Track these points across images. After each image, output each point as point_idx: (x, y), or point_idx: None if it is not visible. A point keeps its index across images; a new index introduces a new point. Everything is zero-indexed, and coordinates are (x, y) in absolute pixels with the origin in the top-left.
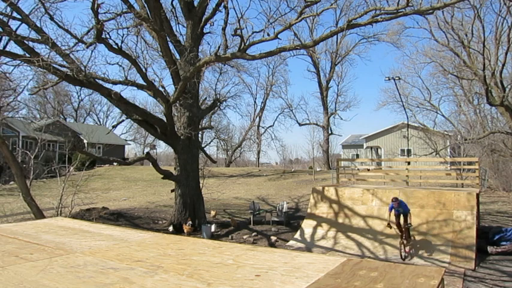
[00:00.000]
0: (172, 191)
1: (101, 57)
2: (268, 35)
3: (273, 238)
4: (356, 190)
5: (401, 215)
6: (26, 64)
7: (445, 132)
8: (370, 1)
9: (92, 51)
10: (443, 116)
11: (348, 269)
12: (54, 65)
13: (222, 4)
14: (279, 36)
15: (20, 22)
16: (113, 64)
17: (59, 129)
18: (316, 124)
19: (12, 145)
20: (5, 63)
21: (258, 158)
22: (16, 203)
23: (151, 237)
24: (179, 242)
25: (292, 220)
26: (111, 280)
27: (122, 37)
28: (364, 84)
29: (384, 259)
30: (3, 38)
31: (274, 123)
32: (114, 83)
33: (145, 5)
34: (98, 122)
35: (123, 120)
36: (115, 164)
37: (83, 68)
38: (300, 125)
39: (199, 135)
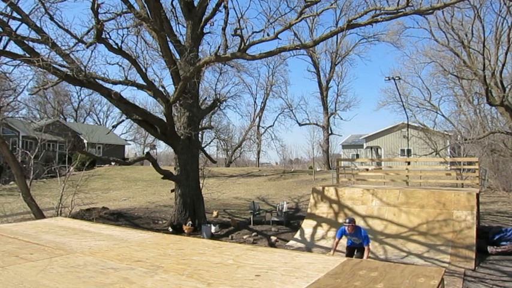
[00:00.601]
0: (172, 191)
1: (101, 57)
2: (268, 35)
3: (273, 238)
4: (356, 190)
5: (356, 249)
6: (26, 64)
7: (445, 132)
8: (370, 1)
9: (92, 51)
10: (443, 116)
11: (348, 269)
12: (54, 65)
13: (222, 4)
14: (279, 36)
15: (20, 22)
16: (113, 64)
17: (59, 129)
18: (316, 124)
19: (12, 145)
20: (5, 63)
21: (258, 158)
22: (16, 203)
23: (151, 237)
24: (179, 242)
25: (292, 220)
26: (111, 280)
27: (122, 37)
28: (364, 84)
29: (384, 259)
30: (3, 38)
31: (274, 123)
32: (114, 83)
33: (145, 5)
34: (98, 122)
35: (123, 120)
36: (113, 163)
37: (83, 68)
38: (300, 125)
39: (199, 135)
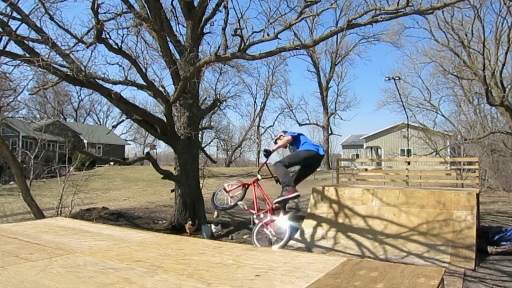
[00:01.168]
0: (172, 191)
1: (101, 57)
2: (268, 35)
3: (273, 238)
4: (356, 190)
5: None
6: (26, 64)
7: (445, 132)
8: (370, 1)
9: (92, 51)
10: (443, 116)
11: (348, 269)
12: (54, 65)
13: (222, 4)
14: (279, 36)
15: (20, 22)
16: (113, 64)
17: (59, 129)
18: (316, 124)
19: (12, 145)
20: (5, 63)
21: (258, 158)
22: (16, 203)
23: (151, 237)
24: (179, 242)
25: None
26: (111, 280)
27: (122, 37)
28: (364, 84)
29: (384, 259)
30: (3, 38)
31: (274, 123)
32: (114, 83)
33: (145, 5)
34: (98, 122)
35: (123, 120)
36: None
37: (83, 68)
38: (300, 125)
39: (199, 135)
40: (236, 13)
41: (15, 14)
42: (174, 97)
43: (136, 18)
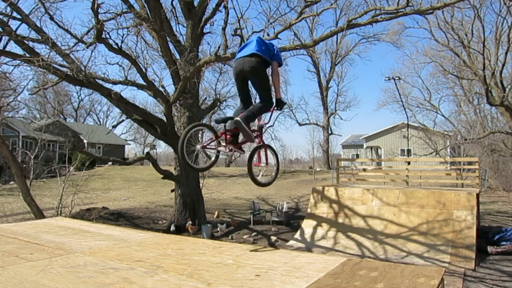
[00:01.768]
0: (172, 191)
1: (101, 57)
2: (268, 35)
3: (273, 238)
4: (356, 190)
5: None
6: (26, 64)
7: (445, 132)
8: (370, 1)
9: (92, 51)
10: (443, 116)
11: (348, 269)
12: (54, 65)
13: (222, 4)
14: (279, 36)
15: (20, 22)
16: (113, 64)
17: (59, 129)
18: (316, 124)
19: (12, 145)
20: (5, 63)
21: None
22: (16, 203)
23: (151, 237)
24: (179, 242)
25: (292, 220)
26: (111, 280)
27: (122, 37)
28: (364, 84)
29: (384, 259)
30: (3, 38)
31: (274, 123)
32: (114, 83)
33: (145, 5)
34: (98, 122)
35: (123, 120)
36: (109, 163)
37: (83, 68)
38: (300, 125)
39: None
40: (236, 13)
41: (15, 14)
42: (174, 97)
43: (136, 18)
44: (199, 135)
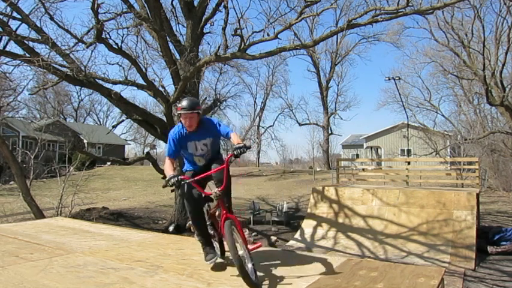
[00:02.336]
0: (172, 191)
1: (101, 57)
2: (268, 35)
3: (273, 238)
4: (356, 190)
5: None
6: (26, 64)
7: (445, 132)
8: (370, 1)
9: (92, 51)
10: (443, 116)
11: (348, 269)
12: (54, 65)
13: (222, 4)
14: (279, 36)
15: (20, 22)
16: (113, 64)
17: (59, 129)
18: (316, 124)
19: (12, 145)
20: (5, 63)
21: (258, 158)
22: (16, 203)
23: (152, 237)
24: (179, 242)
25: (292, 220)
26: (111, 280)
27: (122, 37)
28: (364, 84)
29: (384, 259)
30: (3, 38)
31: (274, 123)
32: (114, 83)
33: (145, 5)
34: (98, 122)
35: (123, 120)
36: (109, 163)
37: (83, 68)
38: (300, 125)
39: None
40: (236, 13)
41: (15, 14)
42: (174, 97)
43: (136, 18)
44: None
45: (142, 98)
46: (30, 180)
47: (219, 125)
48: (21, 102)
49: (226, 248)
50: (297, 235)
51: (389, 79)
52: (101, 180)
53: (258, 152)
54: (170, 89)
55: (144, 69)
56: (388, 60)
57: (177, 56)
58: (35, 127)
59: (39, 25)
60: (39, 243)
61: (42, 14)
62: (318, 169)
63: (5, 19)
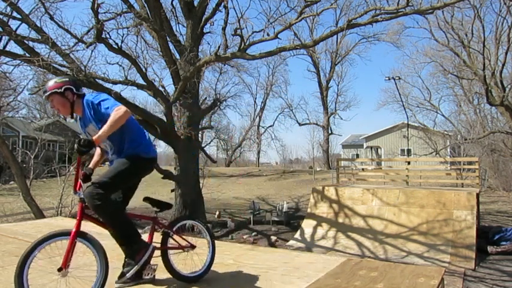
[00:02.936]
0: (172, 191)
1: (101, 57)
2: (268, 34)
3: (273, 238)
4: (356, 190)
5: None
6: (26, 64)
7: (445, 132)
8: (370, 1)
9: (92, 51)
10: (443, 116)
11: (348, 269)
12: (54, 65)
13: (222, 4)
14: (279, 36)
15: (20, 22)
16: (113, 64)
17: (59, 129)
18: (316, 124)
19: (12, 145)
20: (5, 63)
21: (258, 158)
22: (16, 203)
23: None
24: None
25: (292, 220)
26: (111, 280)
27: (122, 37)
28: (364, 84)
29: (384, 259)
30: (3, 38)
31: (274, 123)
32: (114, 82)
33: (145, 5)
34: None
35: None
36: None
37: (83, 68)
38: (300, 124)
39: (199, 135)
40: (236, 13)
41: (15, 14)
42: (174, 97)
43: (136, 18)
44: None
45: (142, 98)
46: (30, 180)
47: (98, 105)
48: (21, 102)
49: None
50: (297, 235)
51: (389, 79)
52: None
53: (258, 152)
54: (170, 89)
55: (144, 69)
56: (388, 60)
57: (177, 56)
58: (35, 127)
59: (39, 25)
60: None
61: (42, 14)
62: (318, 169)
63: (5, 19)
